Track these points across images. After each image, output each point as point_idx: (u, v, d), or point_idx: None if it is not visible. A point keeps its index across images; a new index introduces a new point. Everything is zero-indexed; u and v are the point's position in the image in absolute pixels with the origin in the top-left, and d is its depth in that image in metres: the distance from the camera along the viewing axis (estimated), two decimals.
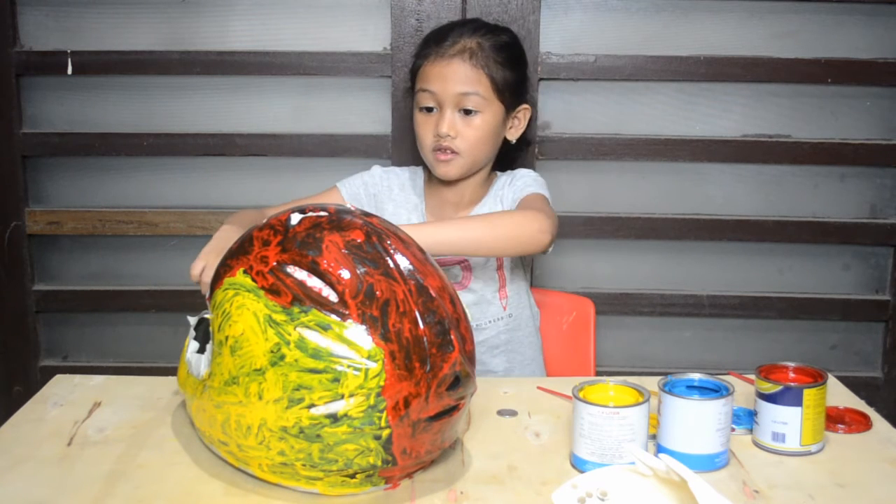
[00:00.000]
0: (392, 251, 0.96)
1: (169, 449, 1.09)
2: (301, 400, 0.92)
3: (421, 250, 1.01)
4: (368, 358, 0.91)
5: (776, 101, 1.88)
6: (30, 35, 1.85)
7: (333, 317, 0.92)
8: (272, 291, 0.95)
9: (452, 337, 0.95)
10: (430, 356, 0.93)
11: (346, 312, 0.92)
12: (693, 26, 1.85)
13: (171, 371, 1.25)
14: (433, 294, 0.96)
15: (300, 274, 0.94)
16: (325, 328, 0.92)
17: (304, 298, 0.93)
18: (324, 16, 1.86)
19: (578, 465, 1.02)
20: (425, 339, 0.93)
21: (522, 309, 1.58)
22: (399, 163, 1.85)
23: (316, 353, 0.92)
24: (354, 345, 0.91)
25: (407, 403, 0.92)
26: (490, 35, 1.50)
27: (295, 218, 0.99)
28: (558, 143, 1.87)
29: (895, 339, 1.95)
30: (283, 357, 0.92)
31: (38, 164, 1.91)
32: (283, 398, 0.93)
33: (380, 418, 0.92)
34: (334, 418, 0.92)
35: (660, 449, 1.04)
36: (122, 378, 1.31)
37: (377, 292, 0.93)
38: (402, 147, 1.86)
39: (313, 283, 0.94)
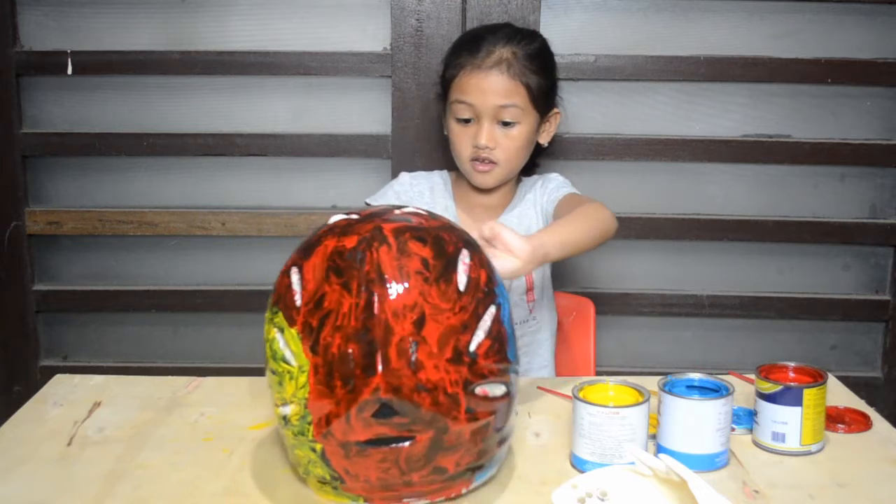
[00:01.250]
0: (371, 260, 0.91)
1: (169, 449, 1.09)
2: (273, 397, 0.95)
3: (430, 261, 0.92)
4: (299, 368, 0.91)
5: (776, 101, 1.88)
6: (30, 35, 1.85)
7: (287, 321, 0.93)
8: (274, 291, 0.97)
9: (378, 361, 0.87)
10: (354, 377, 0.88)
11: (296, 319, 0.92)
12: (693, 26, 1.85)
13: (172, 371, 1.25)
14: (376, 311, 0.88)
15: (295, 277, 0.95)
16: (281, 330, 0.93)
17: (279, 300, 0.95)
18: (324, 16, 1.86)
19: (578, 465, 1.02)
20: (352, 358, 0.88)
21: (545, 312, 1.58)
22: (399, 162, 1.85)
23: (273, 354, 0.94)
24: (294, 352, 0.92)
25: (328, 421, 0.89)
26: (524, 43, 1.49)
27: (332, 219, 1.00)
28: (558, 143, 1.87)
29: (895, 339, 1.95)
30: (266, 354, 0.96)
31: (38, 164, 1.91)
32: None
33: (308, 430, 0.91)
34: (286, 421, 0.93)
35: (660, 449, 1.04)
36: (122, 378, 1.31)
37: (325, 302, 0.91)
38: (402, 147, 1.86)
39: (295, 286, 0.94)
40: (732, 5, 1.84)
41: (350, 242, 0.93)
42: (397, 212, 0.98)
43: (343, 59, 1.84)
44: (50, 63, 1.84)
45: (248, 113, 1.89)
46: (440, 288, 0.91)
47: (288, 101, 1.89)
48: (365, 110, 1.89)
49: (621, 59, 1.84)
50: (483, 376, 0.92)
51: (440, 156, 1.85)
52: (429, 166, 1.72)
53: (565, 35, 1.85)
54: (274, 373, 0.93)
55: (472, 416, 0.91)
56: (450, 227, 0.99)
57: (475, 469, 0.95)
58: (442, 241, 0.95)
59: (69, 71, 1.84)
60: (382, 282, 0.90)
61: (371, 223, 0.95)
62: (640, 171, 1.91)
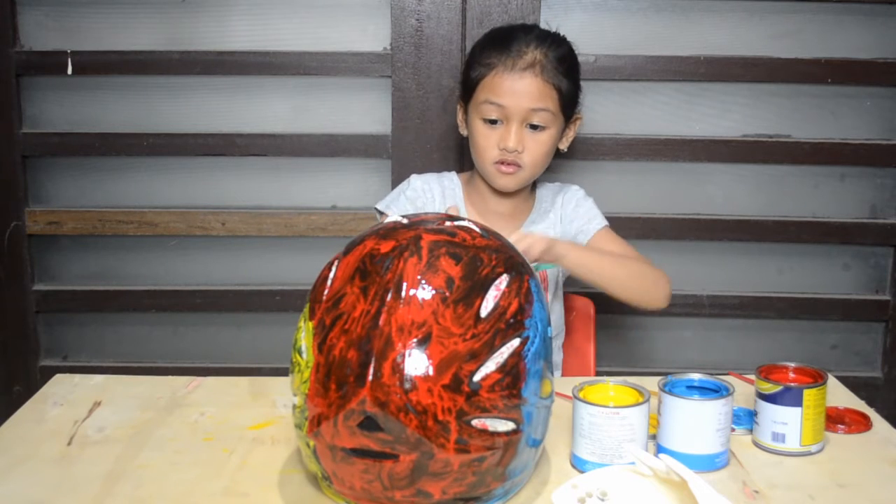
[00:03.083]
0: (396, 270, 0.90)
1: (169, 449, 1.09)
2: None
3: (455, 281, 0.90)
4: (306, 363, 0.91)
5: (776, 101, 1.88)
6: (30, 35, 1.85)
7: (310, 313, 0.94)
8: (316, 279, 0.98)
9: (369, 372, 0.86)
10: (347, 384, 0.87)
11: (316, 313, 0.93)
12: (693, 26, 1.85)
13: (171, 371, 1.25)
14: (381, 322, 0.87)
15: (332, 272, 0.95)
16: (305, 321, 0.94)
17: (314, 289, 0.96)
18: (324, 16, 1.85)
19: (578, 465, 1.02)
20: (350, 364, 0.87)
21: (555, 316, 1.58)
22: (399, 162, 1.85)
23: (294, 344, 0.95)
24: (307, 346, 0.92)
25: (319, 422, 0.89)
26: (554, 46, 1.47)
27: (389, 220, 0.99)
28: None
29: (895, 339, 1.95)
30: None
31: (38, 164, 1.91)
32: None
33: (304, 425, 0.91)
34: (294, 409, 0.95)
35: (660, 449, 1.04)
36: (122, 378, 1.31)
37: (342, 304, 0.91)
38: (402, 147, 1.86)
39: (329, 280, 0.95)
40: (732, 5, 1.84)
41: (386, 247, 0.92)
42: (448, 223, 0.96)
43: (343, 59, 1.84)
44: (50, 63, 1.84)
45: (247, 113, 1.89)
46: (456, 311, 0.89)
47: (288, 101, 1.89)
48: (365, 110, 1.89)
49: (621, 59, 1.84)
50: (484, 409, 0.87)
51: (440, 156, 1.85)
52: (429, 166, 1.73)
53: (565, 35, 1.85)
54: (292, 361, 0.95)
55: (463, 448, 0.87)
56: (496, 249, 0.95)
57: (468, 500, 0.91)
58: (478, 263, 0.92)
59: (69, 71, 1.84)
60: (398, 294, 0.88)
61: (413, 231, 0.94)
62: (640, 171, 1.91)
